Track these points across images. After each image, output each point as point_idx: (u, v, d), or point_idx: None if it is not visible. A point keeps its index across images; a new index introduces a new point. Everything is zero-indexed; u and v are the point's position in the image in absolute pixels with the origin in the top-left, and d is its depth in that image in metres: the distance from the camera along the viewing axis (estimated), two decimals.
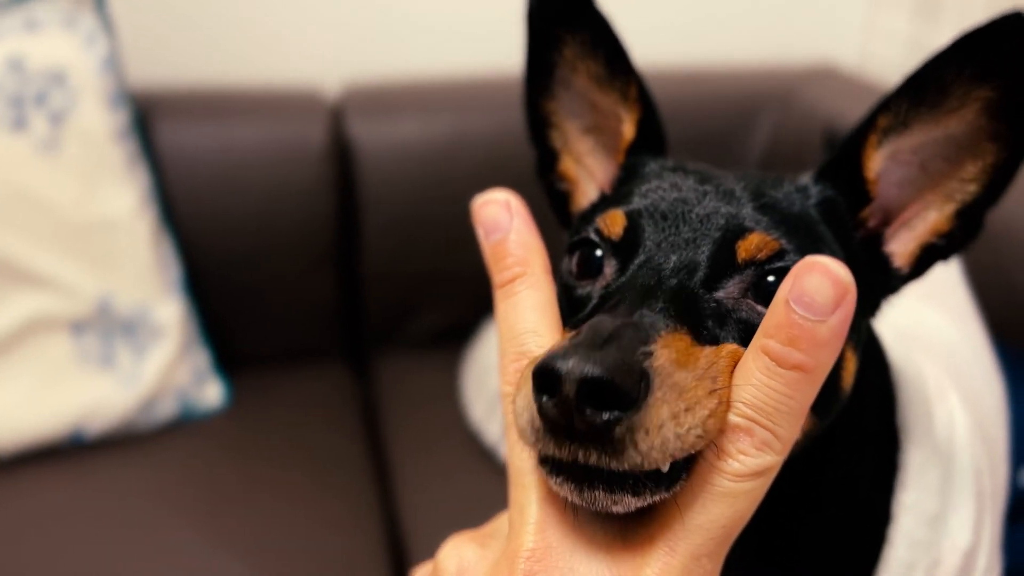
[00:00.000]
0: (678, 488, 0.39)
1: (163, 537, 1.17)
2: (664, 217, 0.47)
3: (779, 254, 0.45)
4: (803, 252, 0.45)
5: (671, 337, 0.40)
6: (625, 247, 0.48)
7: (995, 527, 0.63)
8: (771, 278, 0.45)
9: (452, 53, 1.73)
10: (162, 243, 1.40)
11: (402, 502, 1.31)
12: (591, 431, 0.36)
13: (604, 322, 0.40)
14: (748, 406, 0.39)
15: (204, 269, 1.50)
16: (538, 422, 0.38)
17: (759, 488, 0.39)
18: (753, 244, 0.46)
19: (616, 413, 0.36)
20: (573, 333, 0.40)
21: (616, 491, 0.38)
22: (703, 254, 0.45)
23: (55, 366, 1.32)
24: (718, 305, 0.45)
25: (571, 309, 0.49)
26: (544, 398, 0.37)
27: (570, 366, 0.35)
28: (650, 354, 0.38)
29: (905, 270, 0.52)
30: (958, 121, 0.47)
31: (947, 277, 1.03)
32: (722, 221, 0.47)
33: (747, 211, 0.47)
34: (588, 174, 0.58)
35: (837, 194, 0.50)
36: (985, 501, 0.59)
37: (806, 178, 0.52)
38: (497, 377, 0.48)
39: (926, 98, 0.47)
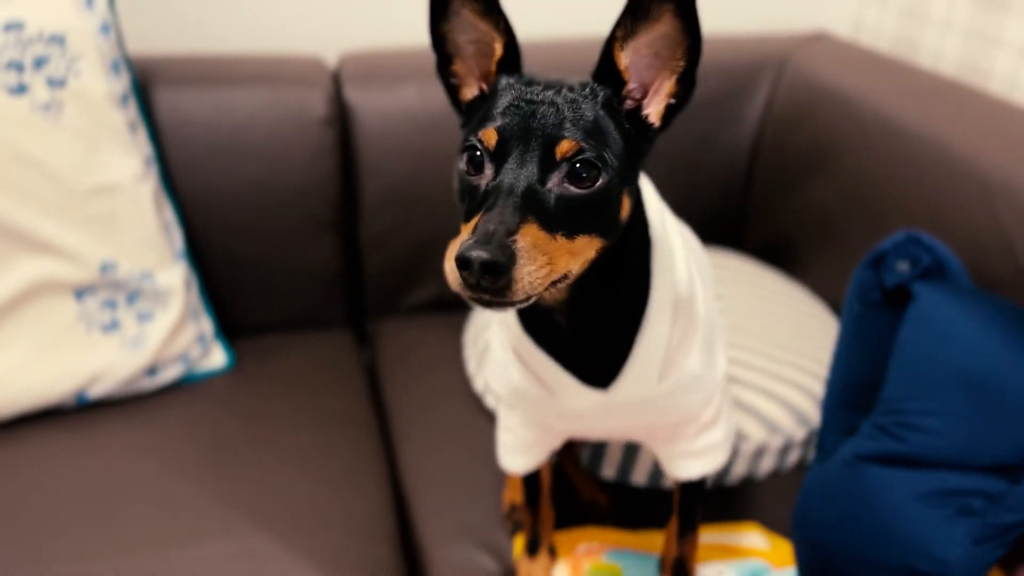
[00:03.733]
0: (530, 301, 0.72)
1: (168, 495, 1.19)
2: (514, 135, 0.75)
3: (579, 151, 0.74)
4: (593, 144, 0.75)
5: (526, 228, 0.70)
6: (496, 156, 0.76)
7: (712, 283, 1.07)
8: (578, 166, 0.74)
9: None
10: (164, 209, 1.41)
11: (405, 461, 1.33)
12: (488, 286, 0.68)
13: (488, 224, 0.70)
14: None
15: (205, 237, 1.50)
16: (460, 281, 0.69)
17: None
18: (563, 148, 0.74)
19: (504, 278, 0.68)
20: (470, 231, 0.70)
21: (501, 307, 0.71)
22: (536, 159, 0.74)
23: (59, 330, 1.32)
24: (549, 192, 0.74)
25: (467, 193, 0.77)
26: (463, 271, 0.68)
27: (474, 255, 0.67)
28: (515, 241, 0.69)
29: (657, 124, 0.80)
30: (663, 25, 0.74)
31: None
32: (548, 132, 0.75)
33: (562, 122, 0.75)
34: (472, 74, 0.84)
35: (608, 88, 0.79)
36: (703, 281, 0.99)
37: (591, 82, 0.80)
38: (486, 333, 0.75)
39: (639, 14, 0.75)
